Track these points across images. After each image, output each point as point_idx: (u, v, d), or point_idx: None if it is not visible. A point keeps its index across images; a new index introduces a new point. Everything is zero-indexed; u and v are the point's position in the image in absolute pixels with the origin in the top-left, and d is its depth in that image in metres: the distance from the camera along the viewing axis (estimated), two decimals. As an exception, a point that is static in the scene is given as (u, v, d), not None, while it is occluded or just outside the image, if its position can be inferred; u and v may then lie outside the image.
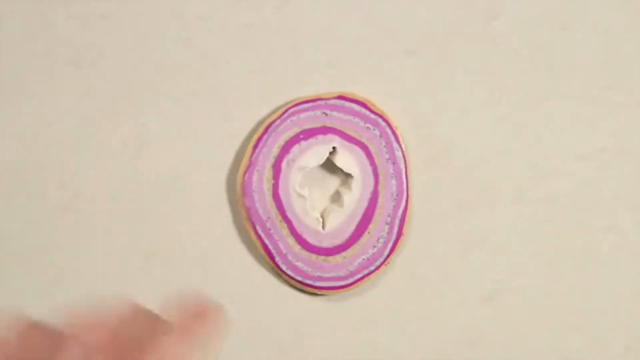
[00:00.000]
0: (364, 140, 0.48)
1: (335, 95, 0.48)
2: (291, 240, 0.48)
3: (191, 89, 0.49)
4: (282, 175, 0.48)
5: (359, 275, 0.49)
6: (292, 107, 0.48)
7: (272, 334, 0.49)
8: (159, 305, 0.49)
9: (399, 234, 0.49)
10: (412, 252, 0.50)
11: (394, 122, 0.49)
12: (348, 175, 0.49)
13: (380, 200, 0.49)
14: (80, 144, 0.49)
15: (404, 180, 0.49)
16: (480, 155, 0.50)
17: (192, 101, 0.49)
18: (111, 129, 0.49)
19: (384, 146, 0.48)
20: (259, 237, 0.48)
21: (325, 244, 0.49)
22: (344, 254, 0.49)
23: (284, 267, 0.48)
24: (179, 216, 0.49)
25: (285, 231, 0.48)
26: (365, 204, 0.49)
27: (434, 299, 0.50)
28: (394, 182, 0.49)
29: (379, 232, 0.49)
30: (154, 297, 0.49)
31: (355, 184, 0.49)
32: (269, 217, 0.48)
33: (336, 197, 0.50)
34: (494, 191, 0.50)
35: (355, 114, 0.48)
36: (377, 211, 0.49)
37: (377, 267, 0.49)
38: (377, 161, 0.48)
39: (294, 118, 0.48)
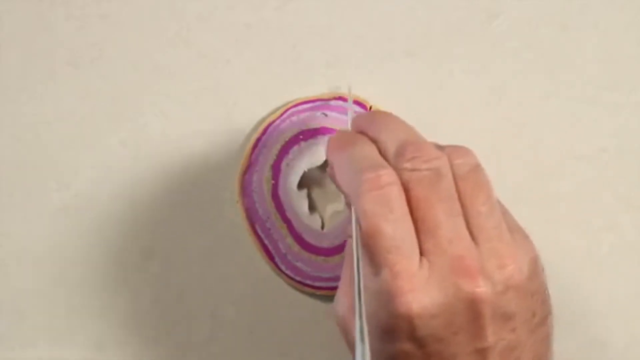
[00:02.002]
0: (363, 141, 0.48)
1: (335, 95, 0.48)
2: (290, 241, 0.48)
3: (191, 89, 0.49)
4: (281, 176, 0.48)
5: (359, 276, 0.49)
6: (291, 107, 0.48)
7: (272, 334, 0.49)
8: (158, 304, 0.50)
9: (399, 234, 0.49)
10: (412, 252, 0.50)
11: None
12: (348, 176, 0.49)
13: (380, 200, 0.49)
14: (80, 144, 0.49)
15: (404, 180, 0.48)
16: (480, 155, 0.50)
17: (192, 101, 0.49)
18: (111, 129, 0.49)
19: (384, 147, 0.48)
20: (259, 237, 0.48)
21: (325, 244, 0.49)
22: (343, 254, 0.49)
23: (283, 267, 0.48)
24: (178, 216, 0.49)
25: (284, 231, 0.48)
26: (365, 204, 0.49)
27: (433, 299, 0.50)
28: (393, 182, 0.48)
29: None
30: (153, 297, 0.49)
31: (355, 184, 0.49)
32: (268, 218, 0.48)
33: (336, 197, 0.50)
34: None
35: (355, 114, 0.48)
36: (377, 211, 0.49)
37: (377, 267, 0.49)
38: (376, 162, 0.48)
39: (294, 119, 0.48)
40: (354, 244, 0.38)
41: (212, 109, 0.49)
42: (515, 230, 0.40)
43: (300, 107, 0.48)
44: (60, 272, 0.49)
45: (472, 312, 0.37)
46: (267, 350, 0.49)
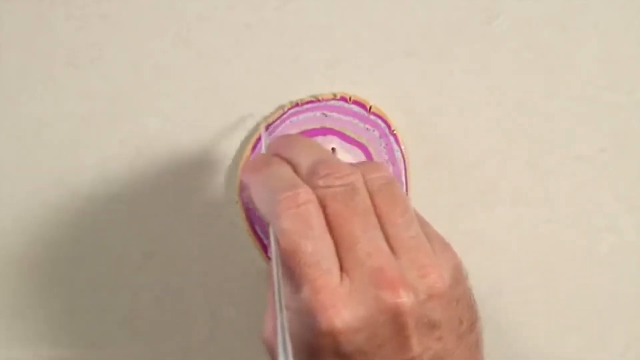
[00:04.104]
0: (363, 141, 0.48)
1: (335, 96, 0.48)
2: (291, 241, 0.48)
3: (191, 89, 0.49)
4: (281, 176, 0.48)
5: (359, 276, 0.49)
6: (291, 107, 0.48)
7: (271, 333, 0.50)
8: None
9: (399, 234, 0.49)
10: (412, 252, 0.50)
11: (394, 123, 0.49)
12: (348, 176, 0.49)
13: (380, 200, 0.49)
14: (80, 144, 0.49)
15: (404, 181, 0.49)
16: (480, 155, 0.50)
17: (192, 101, 0.49)
18: (111, 129, 0.49)
19: (384, 147, 0.48)
20: (259, 237, 0.48)
21: (325, 244, 0.49)
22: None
23: (283, 268, 0.48)
24: (178, 216, 0.49)
25: (284, 232, 0.48)
26: (364, 204, 0.49)
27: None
28: (393, 182, 0.49)
29: (378, 232, 0.49)
30: (153, 297, 0.49)
31: (355, 184, 0.49)
32: (268, 218, 0.48)
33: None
34: (494, 191, 0.50)
35: (355, 115, 0.48)
36: (377, 212, 0.49)
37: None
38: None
39: (294, 119, 0.48)
40: (273, 264, 0.37)
41: (212, 109, 0.49)
42: (434, 239, 0.40)
43: (299, 108, 0.48)
44: (59, 272, 0.49)
45: (395, 323, 0.36)
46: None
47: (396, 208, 0.39)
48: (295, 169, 0.40)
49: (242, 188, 0.44)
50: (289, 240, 0.37)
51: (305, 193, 0.37)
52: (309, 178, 0.39)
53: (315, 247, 0.37)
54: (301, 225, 0.37)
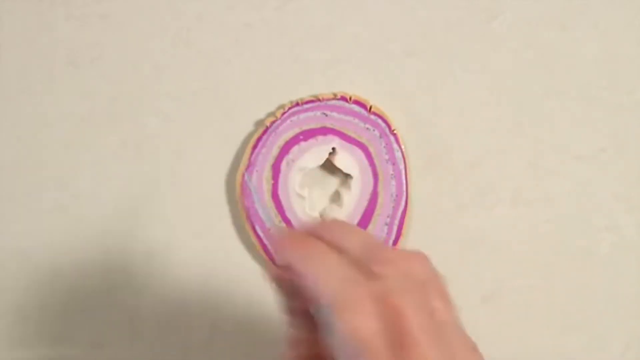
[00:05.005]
0: (363, 141, 0.48)
1: (335, 96, 0.48)
2: (291, 241, 0.48)
3: (191, 89, 0.49)
4: (281, 176, 0.48)
5: (359, 276, 0.49)
6: (292, 107, 0.48)
7: (272, 334, 0.49)
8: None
9: (399, 234, 0.49)
10: (412, 252, 0.50)
11: (394, 122, 0.49)
12: (347, 176, 0.49)
13: (380, 200, 0.49)
14: (80, 144, 0.49)
15: (404, 181, 0.49)
16: (480, 155, 0.50)
17: (192, 101, 0.49)
18: (111, 129, 0.49)
19: (384, 147, 0.48)
20: (259, 237, 0.48)
21: (325, 244, 0.49)
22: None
23: (283, 268, 0.48)
24: (178, 216, 0.49)
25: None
26: (364, 204, 0.49)
27: (433, 299, 0.50)
28: (393, 182, 0.49)
29: (378, 232, 0.49)
30: (153, 298, 0.49)
31: (355, 184, 0.49)
32: (268, 218, 0.48)
33: (336, 198, 0.50)
34: (494, 191, 0.50)
35: (355, 114, 0.48)
36: (377, 212, 0.49)
37: (377, 267, 0.49)
38: (376, 162, 0.48)
39: (294, 119, 0.48)
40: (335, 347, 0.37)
41: (212, 109, 0.49)
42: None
43: (300, 108, 0.48)
44: (59, 272, 0.49)
45: None
46: (266, 351, 0.49)
47: (448, 304, 0.39)
48: (343, 254, 0.40)
49: (280, 262, 0.42)
50: (355, 337, 0.37)
51: (365, 286, 0.37)
52: (363, 267, 0.38)
53: (380, 343, 0.37)
54: (369, 323, 0.37)
